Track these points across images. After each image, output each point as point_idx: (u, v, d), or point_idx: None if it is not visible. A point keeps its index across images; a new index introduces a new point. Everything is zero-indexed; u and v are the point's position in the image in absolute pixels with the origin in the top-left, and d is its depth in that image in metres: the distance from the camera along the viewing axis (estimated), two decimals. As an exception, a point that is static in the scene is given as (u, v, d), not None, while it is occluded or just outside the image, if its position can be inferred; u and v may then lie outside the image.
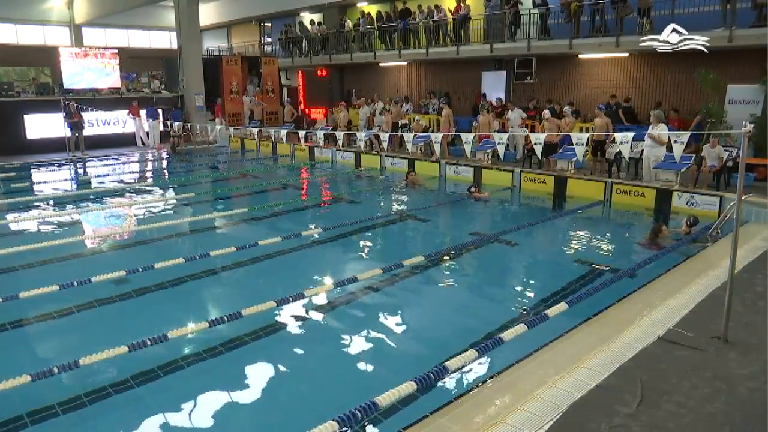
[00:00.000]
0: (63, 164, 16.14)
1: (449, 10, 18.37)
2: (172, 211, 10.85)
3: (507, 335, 4.72)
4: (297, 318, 5.72)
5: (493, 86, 18.39)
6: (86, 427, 3.98)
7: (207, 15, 28.38)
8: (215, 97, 21.64)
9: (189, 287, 6.56)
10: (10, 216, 10.05)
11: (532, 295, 6.59)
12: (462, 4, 17.88)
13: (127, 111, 19.13)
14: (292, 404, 4.33)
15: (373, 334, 5.45)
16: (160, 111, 19.79)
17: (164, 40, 33.40)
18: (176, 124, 18.80)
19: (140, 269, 6.71)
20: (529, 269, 7.99)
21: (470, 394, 3.96)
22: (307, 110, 20.83)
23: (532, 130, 13.70)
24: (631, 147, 10.23)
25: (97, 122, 18.94)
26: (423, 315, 6.12)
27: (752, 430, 3.46)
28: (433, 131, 15.21)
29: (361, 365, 4.91)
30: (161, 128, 19.67)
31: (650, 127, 10.68)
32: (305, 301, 5.95)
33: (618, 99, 14.73)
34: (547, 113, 12.96)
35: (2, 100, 17.64)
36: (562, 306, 5.36)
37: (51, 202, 11.39)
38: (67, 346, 5.25)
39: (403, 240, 9.23)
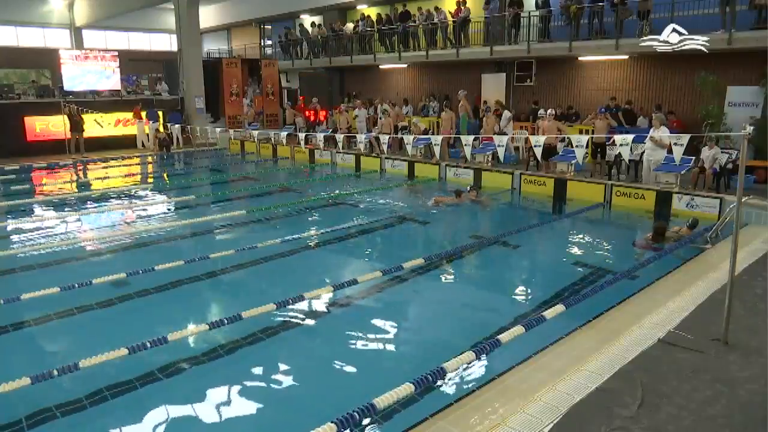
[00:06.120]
0: (63, 166, 16.14)
1: (449, 13, 18.40)
2: (171, 214, 10.86)
3: (504, 337, 4.73)
4: (296, 320, 5.71)
5: (493, 89, 18.41)
6: (86, 429, 3.98)
7: (207, 17, 28.44)
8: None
9: (189, 289, 6.56)
10: (10, 218, 10.06)
11: (532, 297, 6.59)
12: (462, 7, 17.91)
13: (132, 113, 19.20)
14: (291, 406, 4.33)
15: (373, 336, 5.46)
16: (159, 113, 19.83)
17: (164, 42, 33.47)
18: (174, 126, 18.82)
19: (140, 271, 6.71)
20: (529, 272, 8.00)
21: (470, 397, 3.96)
22: (307, 112, 20.84)
23: (532, 133, 13.71)
24: (630, 149, 10.26)
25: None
26: (422, 317, 6.12)
27: (752, 432, 3.45)
28: (432, 134, 15.23)
29: (361, 367, 4.90)
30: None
31: (651, 129, 10.68)
32: (305, 303, 5.95)
33: (618, 102, 14.75)
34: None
35: (2, 102, 17.66)
36: (559, 308, 5.36)
37: (51, 205, 11.39)
38: (67, 348, 5.26)
39: (403, 243, 9.23)
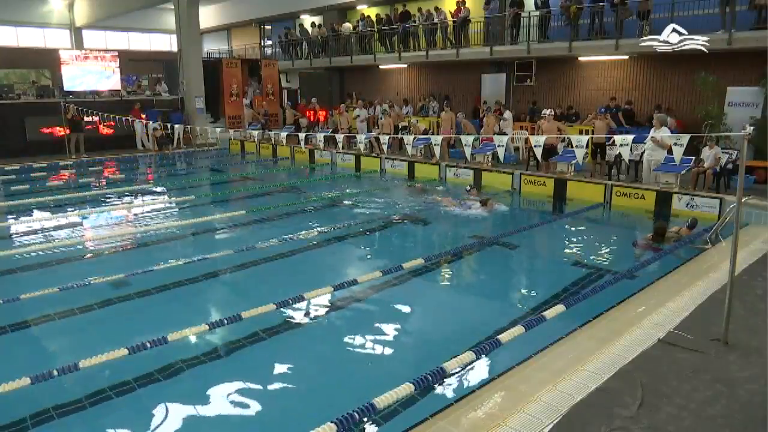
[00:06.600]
0: (63, 166, 16.13)
1: (449, 13, 18.40)
2: (171, 214, 10.85)
3: (504, 337, 4.73)
4: (296, 320, 5.72)
5: (493, 89, 18.41)
6: (87, 429, 3.98)
7: (207, 17, 28.44)
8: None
9: (189, 289, 6.55)
10: (10, 218, 10.06)
11: (532, 297, 6.59)
12: (462, 7, 17.92)
13: (130, 114, 19.18)
14: (291, 406, 4.33)
15: (373, 336, 5.45)
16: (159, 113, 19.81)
17: (164, 42, 33.45)
18: (174, 126, 18.80)
19: (140, 272, 6.71)
20: (529, 272, 7.99)
21: (470, 397, 3.96)
22: (307, 112, 20.83)
23: (532, 133, 13.72)
24: (630, 149, 10.26)
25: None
26: (422, 317, 6.12)
27: (752, 432, 3.45)
28: (432, 134, 15.23)
29: (361, 367, 4.91)
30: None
31: (652, 129, 10.68)
32: (305, 303, 5.95)
33: (618, 102, 14.75)
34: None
35: (2, 102, 17.64)
36: (559, 308, 5.36)
37: (51, 205, 11.37)
38: (67, 348, 5.26)
39: (403, 243, 9.23)
